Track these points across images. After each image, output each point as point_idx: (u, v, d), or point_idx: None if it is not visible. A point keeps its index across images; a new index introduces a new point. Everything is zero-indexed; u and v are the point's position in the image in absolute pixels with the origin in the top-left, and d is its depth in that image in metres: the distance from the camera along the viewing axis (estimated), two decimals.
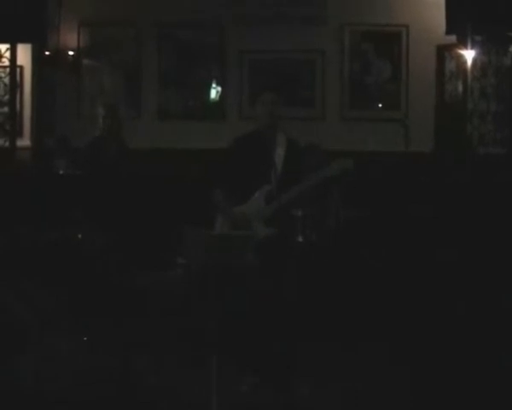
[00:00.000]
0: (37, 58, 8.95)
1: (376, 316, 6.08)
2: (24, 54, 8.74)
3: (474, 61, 8.38)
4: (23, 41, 8.31)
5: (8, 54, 8.26)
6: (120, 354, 5.14)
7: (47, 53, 8.85)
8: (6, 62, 8.33)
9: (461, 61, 8.34)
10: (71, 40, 9.01)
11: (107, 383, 4.77)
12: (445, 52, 8.96)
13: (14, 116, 8.49)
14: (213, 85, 9.16)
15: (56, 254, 6.37)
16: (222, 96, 9.18)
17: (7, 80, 8.49)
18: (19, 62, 8.50)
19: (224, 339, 4.28)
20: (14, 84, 8.47)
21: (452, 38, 8.27)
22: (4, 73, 8.51)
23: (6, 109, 8.53)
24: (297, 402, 4.65)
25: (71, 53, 9.03)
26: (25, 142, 8.88)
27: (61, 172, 8.11)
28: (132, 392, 4.72)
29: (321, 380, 4.98)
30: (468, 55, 8.13)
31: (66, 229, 6.43)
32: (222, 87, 9.16)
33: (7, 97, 8.53)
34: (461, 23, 7.89)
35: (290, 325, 5.00)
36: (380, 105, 9.11)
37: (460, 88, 8.60)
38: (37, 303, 5.59)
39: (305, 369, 5.03)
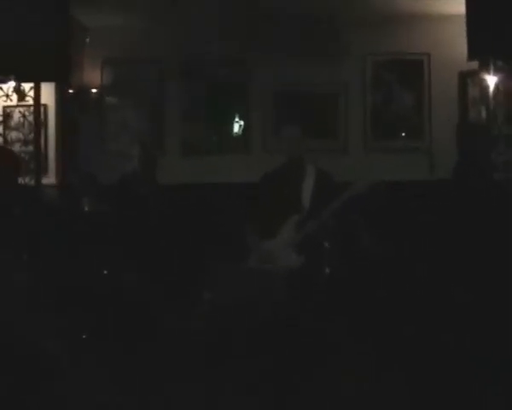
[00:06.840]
0: (60, 96, 9.03)
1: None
2: (47, 92, 8.79)
3: (497, 86, 8.35)
4: (47, 80, 8.36)
5: (32, 93, 8.32)
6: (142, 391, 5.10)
7: (70, 91, 8.92)
8: (30, 101, 8.39)
9: (484, 86, 8.30)
10: (94, 78, 9.10)
11: None
12: (467, 78, 8.95)
13: (39, 154, 8.53)
14: (237, 119, 9.18)
15: (82, 290, 6.37)
16: (246, 128, 9.18)
17: (31, 119, 8.55)
18: (42, 101, 8.55)
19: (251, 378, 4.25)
20: (39, 123, 8.53)
21: (474, 64, 8.24)
22: (28, 111, 8.59)
23: (31, 148, 8.59)
24: None
25: (94, 90, 9.11)
26: (50, 179, 8.92)
27: (86, 209, 8.13)
28: None
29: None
30: (491, 80, 8.10)
31: (93, 265, 6.43)
32: (246, 120, 9.17)
33: (31, 136, 8.60)
34: (483, 49, 7.85)
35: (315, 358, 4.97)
36: (403, 134, 9.09)
37: (484, 114, 8.54)
38: (64, 338, 5.59)
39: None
